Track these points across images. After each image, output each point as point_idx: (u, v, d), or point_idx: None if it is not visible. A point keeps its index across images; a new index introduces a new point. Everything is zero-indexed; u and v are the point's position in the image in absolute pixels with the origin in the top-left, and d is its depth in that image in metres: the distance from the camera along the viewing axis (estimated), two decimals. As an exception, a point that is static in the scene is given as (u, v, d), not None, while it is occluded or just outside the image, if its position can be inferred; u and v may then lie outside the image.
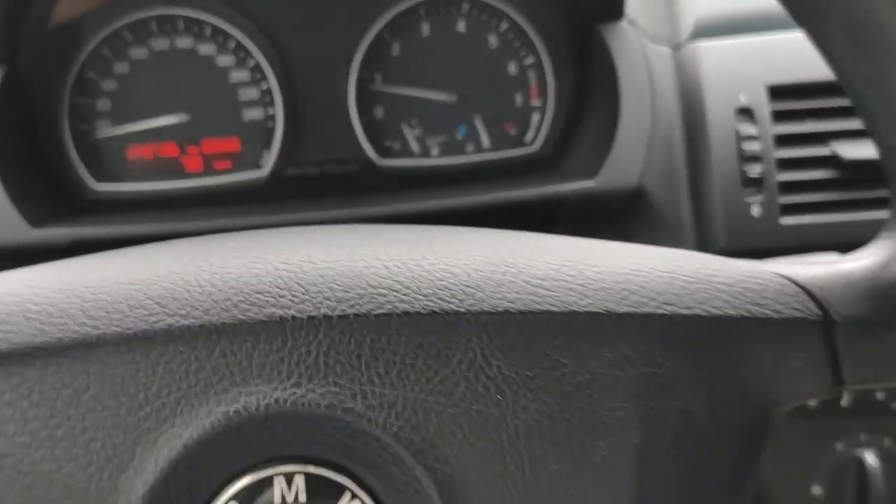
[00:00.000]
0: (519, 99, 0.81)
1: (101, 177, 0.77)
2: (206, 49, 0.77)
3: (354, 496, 0.32)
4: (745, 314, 0.34)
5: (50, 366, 0.31)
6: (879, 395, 0.71)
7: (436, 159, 0.80)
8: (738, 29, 0.74)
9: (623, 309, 0.33)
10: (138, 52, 0.77)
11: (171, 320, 0.31)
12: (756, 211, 0.69)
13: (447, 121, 0.81)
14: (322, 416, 0.31)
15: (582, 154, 0.76)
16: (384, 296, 0.32)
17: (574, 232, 0.70)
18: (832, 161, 0.69)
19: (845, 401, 0.71)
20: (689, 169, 0.71)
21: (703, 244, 0.69)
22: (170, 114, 0.77)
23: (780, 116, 0.70)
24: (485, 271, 0.33)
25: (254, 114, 0.78)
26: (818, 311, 0.35)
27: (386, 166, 0.79)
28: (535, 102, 0.80)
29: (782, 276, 0.36)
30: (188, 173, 0.78)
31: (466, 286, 0.33)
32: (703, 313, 0.33)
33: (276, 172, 0.77)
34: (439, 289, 0.32)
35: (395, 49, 0.79)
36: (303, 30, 0.77)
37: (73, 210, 0.73)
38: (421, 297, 0.32)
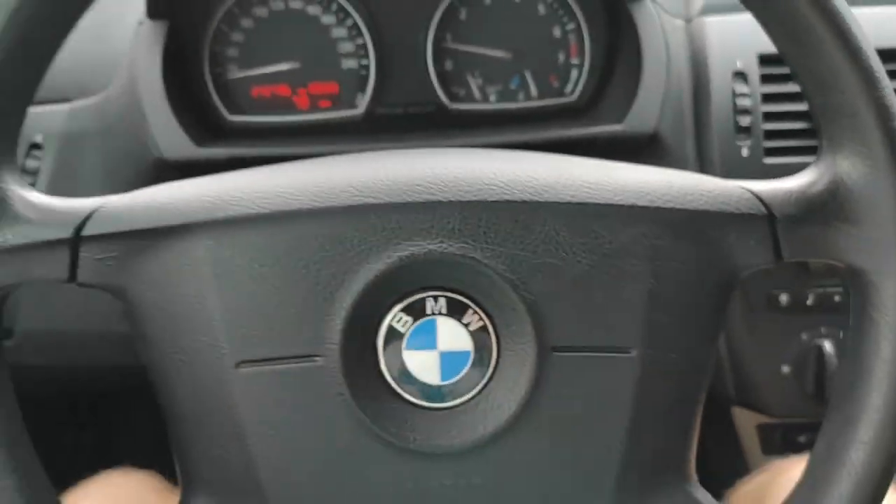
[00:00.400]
0: (561, 57, 0.98)
1: (232, 110, 0.96)
2: (313, 10, 0.95)
3: (475, 312, 0.50)
4: (718, 210, 0.51)
5: (293, 223, 0.49)
6: (836, 298, 0.91)
7: (493, 104, 0.98)
8: (738, 9, 0.92)
9: (642, 203, 0.50)
10: (260, 11, 0.94)
11: (364, 199, 0.49)
12: (745, 152, 0.88)
13: (503, 73, 0.98)
14: (457, 261, 0.49)
15: (610, 104, 0.93)
16: (494, 189, 0.50)
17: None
18: (805, 115, 0.88)
19: (810, 300, 0.90)
20: (694, 119, 0.90)
21: (703, 176, 0.88)
22: (284, 61, 0.96)
23: (766, 79, 0.89)
24: (553, 177, 0.51)
25: (350, 63, 0.96)
26: (765, 210, 0.51)
27: (455, 109, 0.97)
28: (574, 60, 0.98)
29: (744, 188, 0.52)
30: (298, 109, 0.97)
31: (543, 185, 0.50)
32: (692, 208, 0.51)
33: (369, 111, 0.96)
34: (528, 187, 0.50)
35: (463, 14, 0.97)
36: (391, -2, 0.95)
37: (213, 136, 0.92)
38: (516, 191, 0.50)
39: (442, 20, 0.97)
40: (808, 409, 0.93)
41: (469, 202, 0.50)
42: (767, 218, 0.52)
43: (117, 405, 1.39)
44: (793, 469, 0.79)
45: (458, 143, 0.89)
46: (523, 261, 0.50)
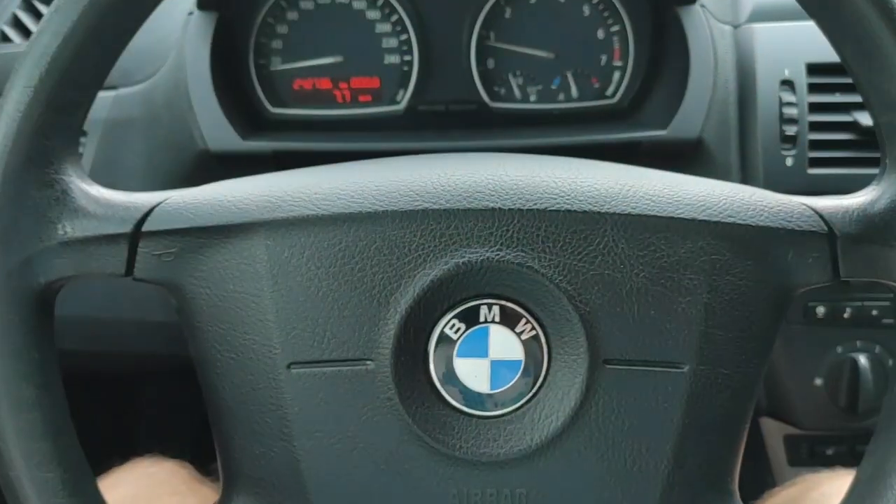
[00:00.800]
0: (604, 59, 0.97)
1: (274, 102, 0.96)
2: (358, 4, 0.95)
3: (528, 321, 0.49)
4: (778, 226, 0.51)
5: (352, 226, 0.49)
6: (874, 312, 0.90)
7: (533, 104, 0.98)
8: (787, 16, 0.91)
9: (702, 217, 0.50)
10: (306, 4, 0.94)
11: (426, 205, 0.49)
12: (790, 162, 0.88)
13: (544, 73, 0.98)
14: (513, 269, 0.49)
15: (653, 109, 0.93)
16: (554, 199, 0.50)
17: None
18: (853, 126, 0.87)
19: (847, 314, 0.90)
20: (739, 126, 0.89)
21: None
22: (327, 55, 0.96)
23: (814, 88, 0.88)
24: (615, 188, 0.52)
25: (393, 59, 0.96)
26: (826, 228, 0.51)
27: (496, 107, 0.97)
28: (617, 63, 0.97)
29: (804, 204, 0.52)
30: (339, 103, 0.97)
31: (604, 196, 0.50)
32: (752, 223, 0.50)
33: (410, 107, 0.96)
34: (589, 197, 0.50)
35: (508, 13, 0.96)
36: (437, -5, 0.95)
37: (254, 128, 0.93)
38: (577, 201, 0.50)
39: (486, 18, 0.96)
40: (839, 422, 0.93)
41: (528, 210, 0.50)
42: (828, 236, 0.52)
43: (139, 390, 1.39)
44: (823, 484, 0.79)
45: (499, 142, 0.90)
46: (580, 271, 0.50)
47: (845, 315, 0.90)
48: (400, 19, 0.95)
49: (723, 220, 0.51)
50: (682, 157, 0.88)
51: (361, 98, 0.97)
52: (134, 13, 0.49)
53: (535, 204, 0.50)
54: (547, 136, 0.90)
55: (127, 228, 0.49)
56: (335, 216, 0.50)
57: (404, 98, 0.96)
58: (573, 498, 0.51)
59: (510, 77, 0.98)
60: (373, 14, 0.96)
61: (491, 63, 0.98)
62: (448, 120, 0.96)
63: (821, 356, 0.91)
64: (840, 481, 0.76)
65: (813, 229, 0.52)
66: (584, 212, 0.50)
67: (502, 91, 0.98)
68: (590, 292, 0.50)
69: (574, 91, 0.98)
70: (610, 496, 0.51)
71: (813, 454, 1.04)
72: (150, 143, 0.88)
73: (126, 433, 1.39)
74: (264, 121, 0.95)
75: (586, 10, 0.97)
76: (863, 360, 0.90)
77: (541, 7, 0.97)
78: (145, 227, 0.50)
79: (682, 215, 0.51)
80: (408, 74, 0.96)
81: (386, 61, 0.96)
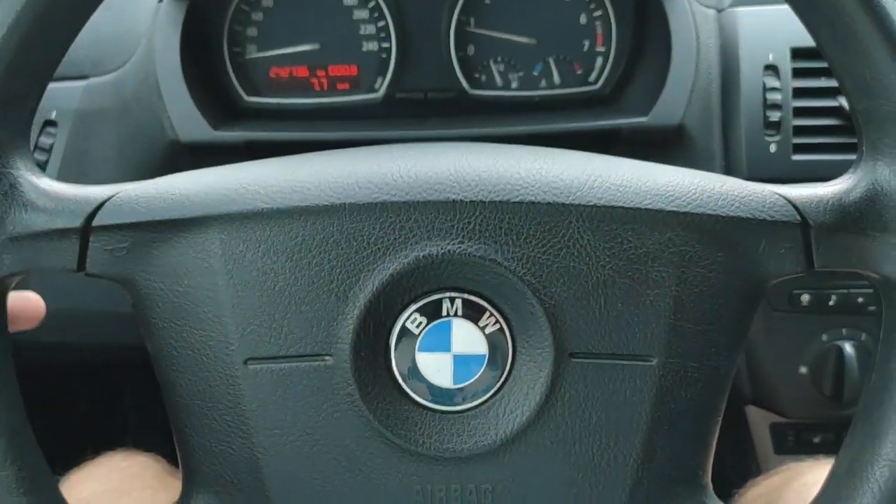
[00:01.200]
0: (587, 44, 0.96)
1: (249, 91, 0.94)
2: None
3: (491, 315, 0.48)
4: (750, 216, 0.49)
5: (308, 219, 0.47)
6: (860, 300, 0.89)
7: (515, 91, 0.96)
8: (771, 0, 0.90)
9: (670, 207, 0.48)
10: (281, -9, 0.94)
11: (385, 197, 0.48)
12: (773, 148, 0.86)
13: (526, 59, 0.96)
14: (476, 262, 0.48)
15: (636, 95, 0.91)
16: (517, 190, 0.49)
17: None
18: (837, 111, 0.86)
19: (832, 301, 0.89)
20: (722, 112, 0.88)
21: (730, 173, 0.86)
22: (304, 43, 0.94)
23: (798, 73, 0.87)
24: (580, 178, 0.50)
25: (371, 46, 0.95)
26: (799, 218, 0.49)
27: (476, 95, 0.96)
28: (600, 48, 0.96)
29: (778, 193, 0.50)
30: (315, 91, 0.95)
31: (569, 187, 0.49)
32: (722, 213, 0.49)
33: (388, 95, 0.94)
34: (553, 188, 0.48)
35: (488, -3, 0.95)
36: (414, -23, 0.93)
37: (228, 117, 0.91)
38: (541, 193, 0.49)
39: (466, 4, 0.95)
40: (825, 410, 0.92)
41: (490, 202, 0.48)
42: (801, 225, 0.50)
43: (114, 381, 1.38)
44: (805, 474, 0.78)
45: (479, 130, 0.88)
46: (544, 264, 0.48)
47: (830, 303, 0.88)
48: (377, 5, 0.94)
49: (692, 211, 0.50)
50: (665, 143, 0.87)
51: (339, 86, 0.95)
52: (81, 3, 0.47)
53: (498, 195, 0.49)
54: (528, 124, 0.89)
55: (77, 223, 0.48)
56: (291, 209, 0.48)
57: (382, 86, 0.95)
58: (540, 494, 0.50)
59: (491, 63, 0.96)
60: (350, 0, 0.94)
61: (471, 49, 0.96)
62: (427, 108, 0.95)
63: (806, 344, 0.90)
64: (822, 470, 0.75)
65: (786, 219, 0.50)
66: (549, 203, 0.49)
67: (483, 78, 0.97)
68: (555, 285, 0.48)
69: (556, 77, 0.97)
70: (578, 492, 0.50)
71: (799, 442, 1.03)
72: (121, 133, 0.87)
73: (111, 425, 1.39)
74: (239, 110, 0.94)
75: None
76: (848, 348, 0.89)
77: None
78: (96, 222, 0.48)
79: (649, 206, 0.50)
80: (386, 62, 0.95)
81: (364, 48, 0.95)
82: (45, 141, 0.85)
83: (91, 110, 0.87)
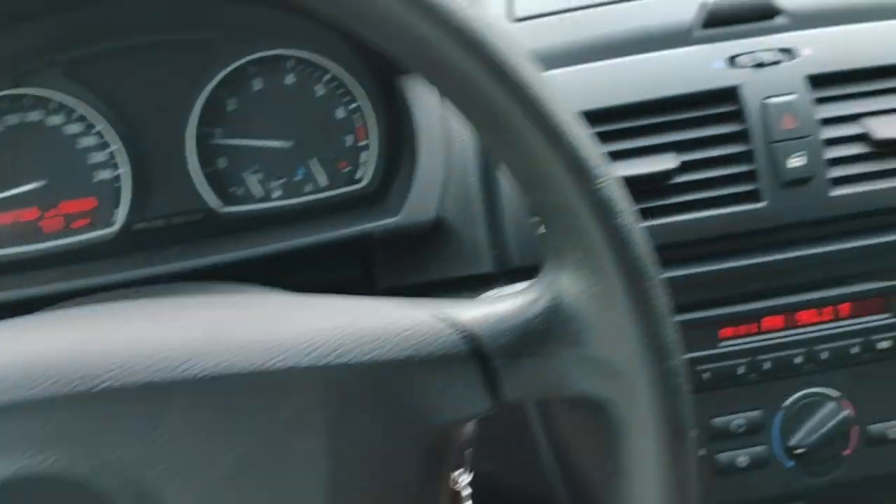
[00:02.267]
0: (349, 139, 0.87)
1: (-36, 250, 0.83)
2: (53, 120, 0.83)
3: None
4: (411, 355, 0.42)
5: None
6: None
7: (276, 202, 0.87)
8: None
9: (306, 363, 0.41)
10: (-8, 129, 0.83)
11: None
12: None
13: (286, 165, 0.87)
14: (56, 483, 0.38)
15: (398, 192, 0.83)
16: (106, 374, 0.39)
17: (389, 263, 0.79)
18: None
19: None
20: (484, 200, 0.80)
21: (500, 263, 0.78)
22: (29, 182, 0.84)
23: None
24: (190, 344, 0.41)
25: (104, 175, 0.84)
26: (472, 347, 0.42)
27: (228, 213, 0.86)
28: (363, 142, 0.87)
29: (444, 319, 0.42)
30: (47, 234, 0.84)
31: (173, 358, 0.39)
32: (376, 359, 0.42)
33: (124, 228, 0.84)
34: (152, 363, 0.40)
35: (232, 104, 0.85)
36: (141, 95, 0.83)
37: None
38: (135, 373, 0.39)
39: (205, 114, 0.85)
40: None
41: (67, 398, 0.38)
42: (474, 355, 0.42)
43: None
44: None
45: (228, 255, 0.78)
46: (151, 461, 0.38)
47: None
48: (103, 130, 0.83)
49: (334, 363, 0.40)
50: (427, 242, 0.78)
51: (75, 224, 0.85)
52: None
53: (78, 386, 0.39)
54: (282, 240, 0.79)
55: None
56: None
57: (118, 218, 0.84)
58: None
59: (246, 175, 0.87)
60: (72, 129, 0.84)
61: (222, 163, 0.87)
62: (172, 237, 0.84)
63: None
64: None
65: (455, 350, 0.42)
66: (145, 384, 0.39)
67: (240, 192, 0.87)
68: (164, 488, 0.38)
69: (321, 179, 0.87)
70: None
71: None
72: None
73: None
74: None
75: (319, 90, 0.87)
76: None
77: (269, 93, 0.87)
78: None
79: (278, 365, 0.40)
80: (120, 190, 0.84)
81: (95, 179, 0.85)
82: None
83: None
